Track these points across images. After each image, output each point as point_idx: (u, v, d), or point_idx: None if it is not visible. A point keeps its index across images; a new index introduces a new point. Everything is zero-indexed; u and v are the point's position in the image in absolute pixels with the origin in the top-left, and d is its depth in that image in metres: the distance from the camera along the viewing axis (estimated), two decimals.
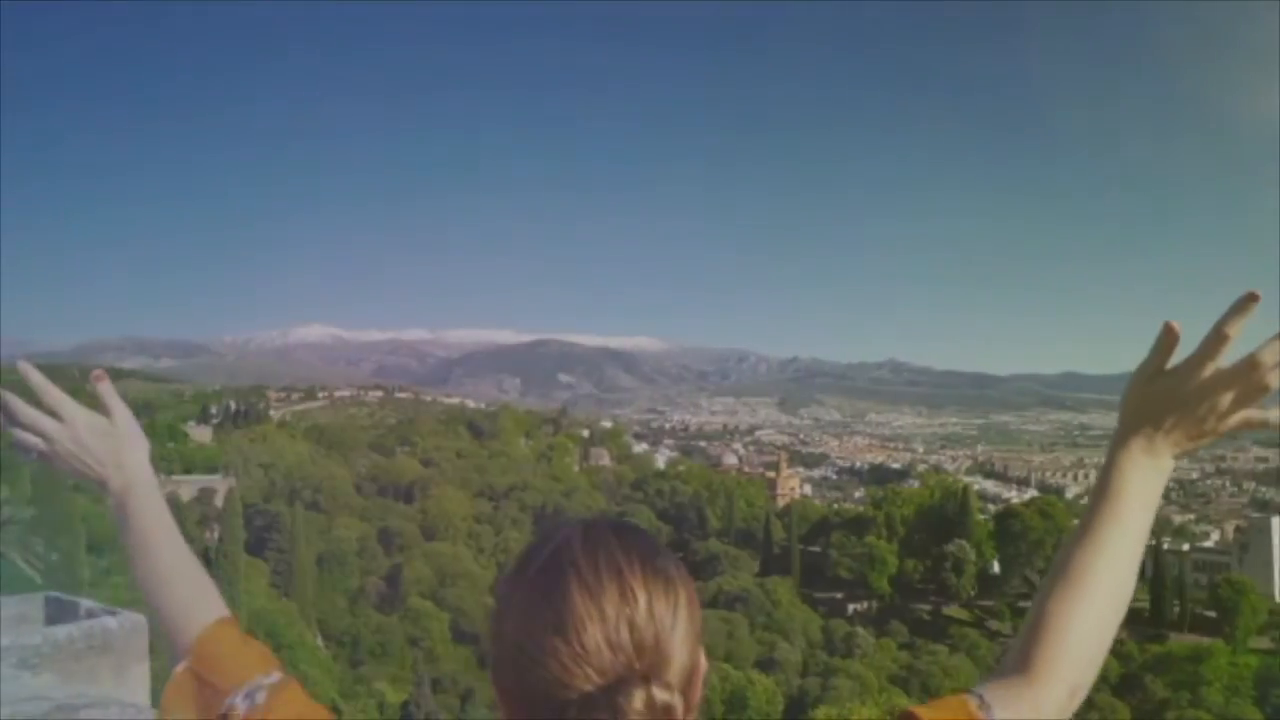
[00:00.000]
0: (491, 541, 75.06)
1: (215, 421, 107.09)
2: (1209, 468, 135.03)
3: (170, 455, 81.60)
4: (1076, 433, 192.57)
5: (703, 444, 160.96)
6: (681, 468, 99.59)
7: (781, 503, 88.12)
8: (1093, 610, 1.08)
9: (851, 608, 67.94)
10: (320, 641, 61.16)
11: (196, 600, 1.25)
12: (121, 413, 1.33)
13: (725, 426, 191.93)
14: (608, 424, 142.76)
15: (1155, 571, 63.42)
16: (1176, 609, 61.10)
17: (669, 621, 0.87)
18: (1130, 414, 1.12)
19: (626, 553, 0.90)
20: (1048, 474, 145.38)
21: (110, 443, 1.31)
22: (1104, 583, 1.08)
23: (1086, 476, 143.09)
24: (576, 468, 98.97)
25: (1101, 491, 1.12)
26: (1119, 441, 1.13)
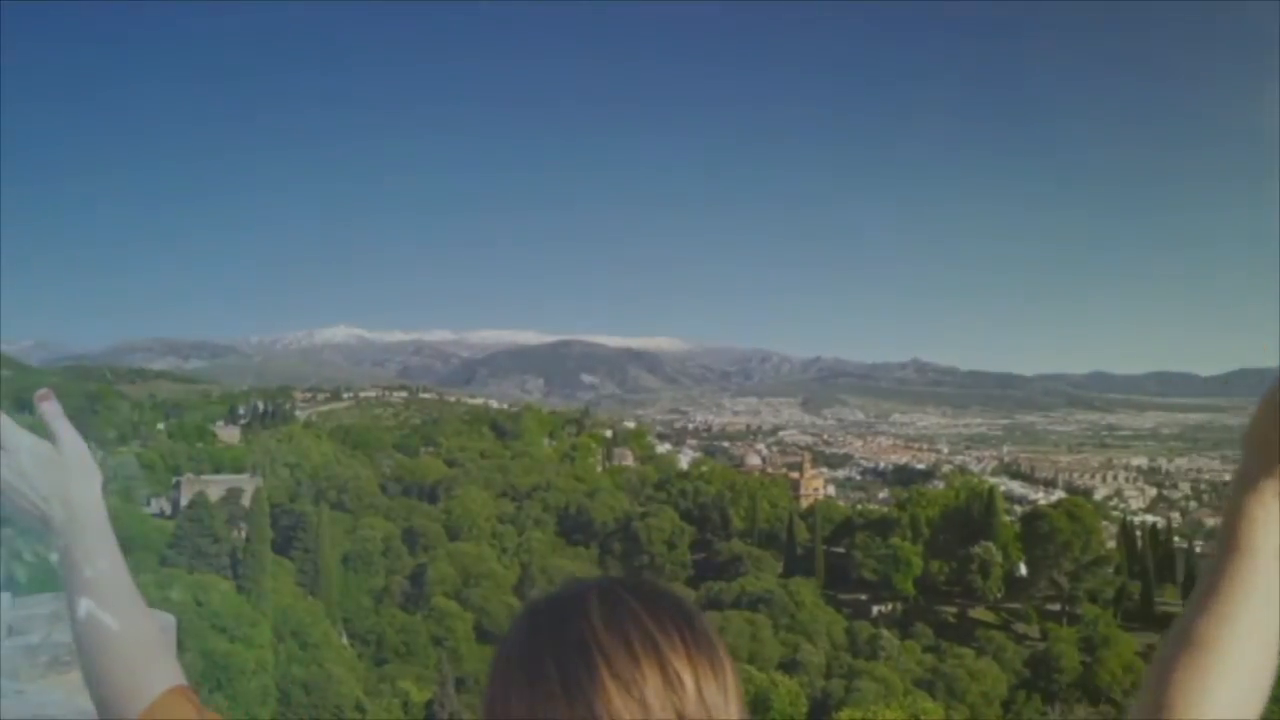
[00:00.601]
0: (515, 542, 75.34)
1: (243, 422, 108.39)
2: None
3: (198, 455, 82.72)
4: (1105, 433, 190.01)
5: (726, 444, 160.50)
6: (705, 468, 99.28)
7: (805, 503, 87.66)
8: (1228, 690, 0.86)
9: (876, 609, 67.49)
10: (345, 640, 61.70)
11: (147, 665, 1.06)
12: (70, 439, 1.14)
13: (748, 427, 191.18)
14: (631, 424, 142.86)
15: (1188, 576, 62.59)
16: None
17: (721, 704, 0.72)
18: (1260, 451, 0.92)
19: (660, 623, 0.73)
20: (1075, 475, 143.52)
21: (55, 474, 1.11)
22: (1239, 656, 0.87)
23: (1115, 477, 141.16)
24: (600, 468, 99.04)
25: (1229, 546, 0.92)
26: (1246, 484, 0.93)
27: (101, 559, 1.11)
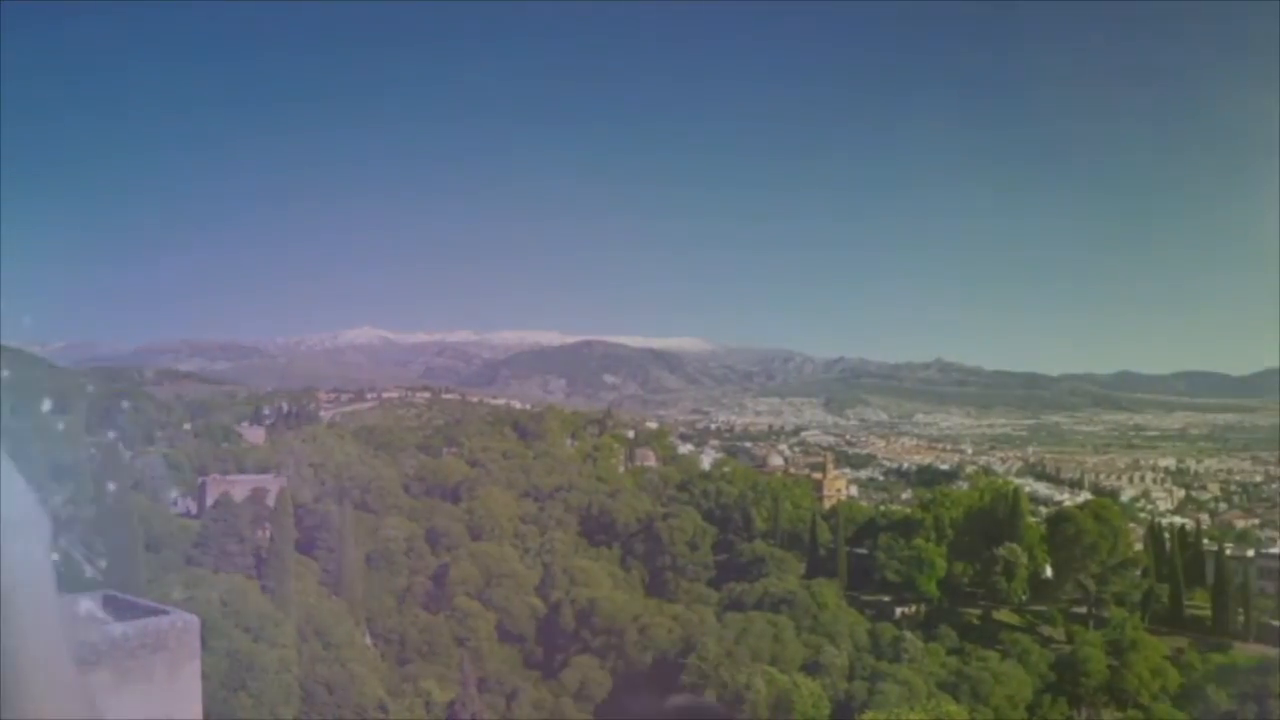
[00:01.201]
0: (537, 542, 75.47)
1: (268, 422, 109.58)
2: (1274, 470, 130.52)
3: (224, 455, 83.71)
4: (1132, 434, 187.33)
5: (748, 445, 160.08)
6: (727, 469, 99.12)
7: (828, 504, 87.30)
8: None
9: (899, 611, 66.96)
10: (368, 640, 62.10)
11: None
12: (10, 487, 0.96)
13: (771, 427, 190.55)
14: (653, 425, 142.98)
15: (1218, 579, 61.58)
16: (1241, 618, 59.16)
17: None
18: None
19: None
20: (1102, 476, 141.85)
21: None
22: None
23: (1142, 478, 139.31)
24: (622, 468, 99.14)
25: None
26: None
27: (36, 630, 0.91)
